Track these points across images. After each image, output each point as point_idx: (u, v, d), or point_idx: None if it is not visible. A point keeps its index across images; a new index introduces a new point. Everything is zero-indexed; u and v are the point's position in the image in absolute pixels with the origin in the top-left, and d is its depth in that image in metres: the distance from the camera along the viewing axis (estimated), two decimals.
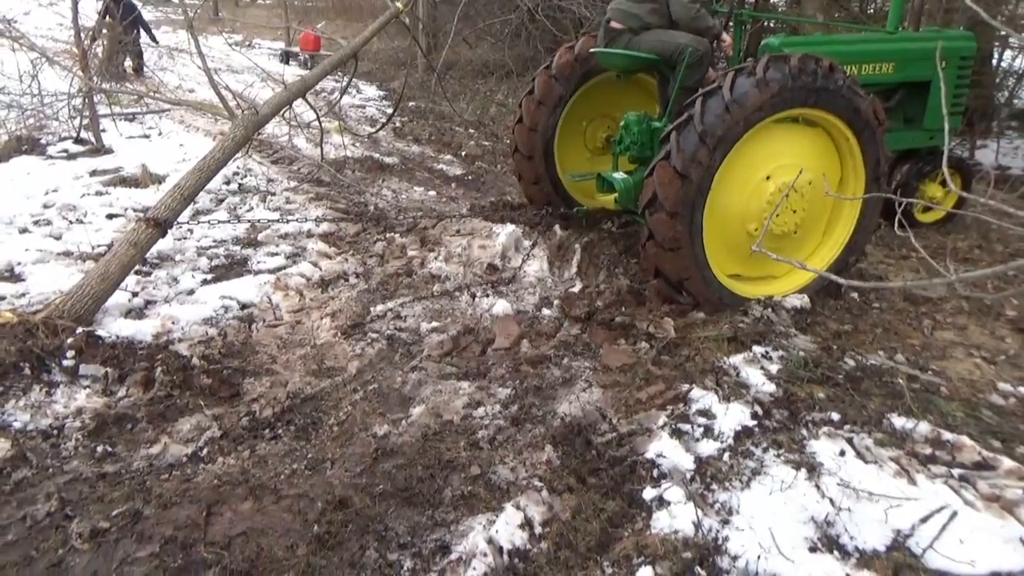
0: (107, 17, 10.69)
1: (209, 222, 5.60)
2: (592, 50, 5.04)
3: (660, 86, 4.94)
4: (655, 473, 2.90)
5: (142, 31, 12.46)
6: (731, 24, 5.43)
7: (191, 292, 4.49)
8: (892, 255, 5.48)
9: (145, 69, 11.87)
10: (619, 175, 4.80)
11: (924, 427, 3.18)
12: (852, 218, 4.48)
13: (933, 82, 5.27)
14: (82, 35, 7.71)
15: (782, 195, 4.15)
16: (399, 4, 7.08)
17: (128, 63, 11.88)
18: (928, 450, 3.07)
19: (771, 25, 11.36)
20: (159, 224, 4.25)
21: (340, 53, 6.54)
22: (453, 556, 2.48)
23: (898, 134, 5.44)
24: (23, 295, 4.25)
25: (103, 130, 7.80)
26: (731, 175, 4.12)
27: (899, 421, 3.24)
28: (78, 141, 7.68)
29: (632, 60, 4.71)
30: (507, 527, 2.58)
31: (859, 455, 3.00)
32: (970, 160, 7.19)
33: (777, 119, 4.10)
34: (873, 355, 3.88)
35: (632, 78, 5.31)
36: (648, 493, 2.77)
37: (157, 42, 12.89)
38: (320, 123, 7.20)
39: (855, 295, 4.63)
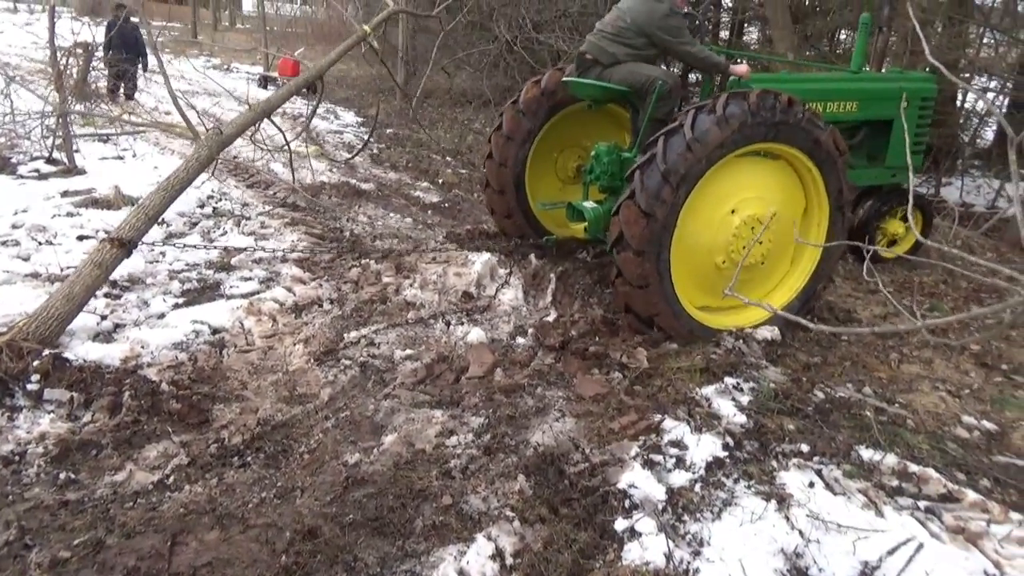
0: (110, 50, 10.78)
1: (181, 246, 5.55)
2: (564, 79, 5.13)
3: (633, 117, 5.04)
4: (627, 504, 2.90)
5: (141, 59, 12.55)
6: None
7: (162, 316, 4.43)
8: (860, 288, 5.58)
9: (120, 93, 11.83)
10: (589, 204, 4.85)
11: (891, 459, 3.23)
12: (817, 248, 4.56)
13: (895, 121, 5.41)
14: (58, 55, 7.66)
15: (750, 229, 4.24)
16: (366, 27, 7.21)
17: (122, 90, 11.87)
18: (895, 482, 3.11)
19: (741, 63, 11.62)
20: (124, 244, 4.19)
21: (305, 75, 6.62)
22: None
23: (861, 171, 5.56)
24: None
25: (76, 150, 7.72)
26: (697, 209, 4.19)
27: (867, 453, 3.28)
28: (50, 161, 7.59)
29: (602, 91, 4.80)
30: (478, 558, 2.56)
31: (828, 487, 3.03)
32: (934, 197, 7.38)
33: (740, 154, 4.19)
34: (842, 387, 3.94)
35: (602, 108, 5.41)
36: (620, 524, 2.77)
37: (146, 69, 12.91)
38: (288, 145, 7.23)
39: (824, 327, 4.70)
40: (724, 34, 15.99)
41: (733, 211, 4.29)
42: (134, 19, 12.43)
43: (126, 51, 11.70)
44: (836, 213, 4.52)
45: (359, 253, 5.71)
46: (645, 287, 4.12)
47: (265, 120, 6.14)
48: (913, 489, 3.08)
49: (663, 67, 4.87)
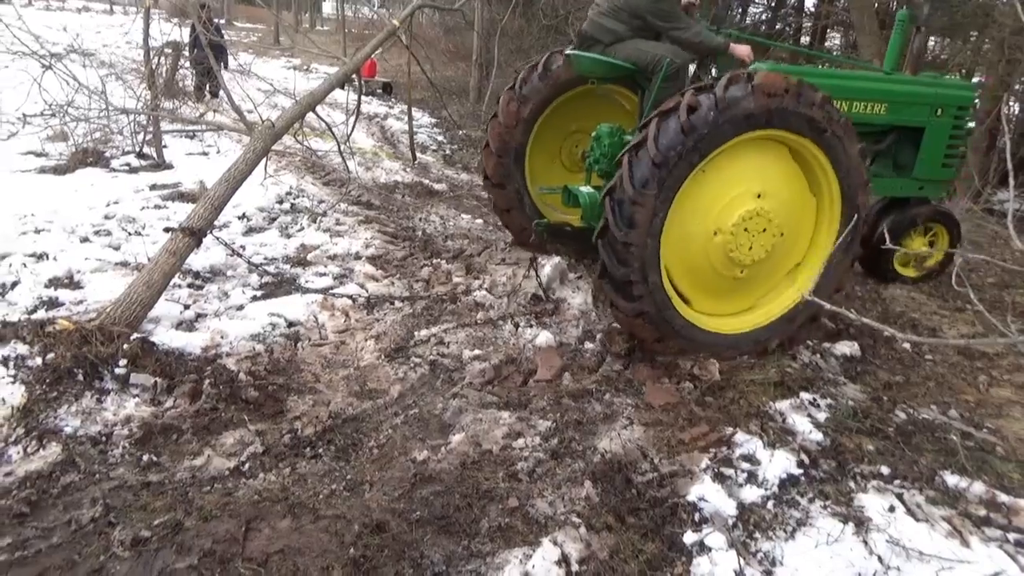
0: (195, 48, 11.31)
1: (254, 250, 5.71)
2: (568, 52, 4.95)
3: (640, 97, 4.80)
4: (696, 517, 2.84)
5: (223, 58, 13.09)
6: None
7: (240, 308, 4.57)
8: (946, 307, 5.34)
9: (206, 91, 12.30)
10: (585, 189, 4.59)
11: (979, 487, 3.07)
12: (835, 221, 4.17)
13: (927, 130, 5.00)
14: (151, 55, 8.00)
15: (743, 231, 3.98)
16: (395, 22, 7.37)
17: (207, 88, 12.40)
18: (982, 511, 2.96)
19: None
20: (194, 233, 4.35)
21: (343, 69, 6.82)
22: None
23: (887, 180, 5.19)
24: (80, 302, 4.37)
25: (165, 146, 8.05)
26: (676, 239, 3.96)
27: (952, 479, 3.13)
28: (140, 156, 7.94)
29: (606, 67, 4.61)
30: (544, 563, 2.55)
31: (909, 512, 2.90)
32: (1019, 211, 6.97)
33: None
34: (925, 409, 3.77)
35: (614, 94, 5.25)
36: (689, 537, 2.71)
37: (227, 67, 13.40)
38: (334, 135, 7.48)
39: (907, 346, 4.51)
40: (805, 39, 15.59)
41: (716, 232, 3.98)
42: (217, 20, 12.93)
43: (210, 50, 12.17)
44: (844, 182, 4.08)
45: (431, 252, 5.78)
46: (664, 340, 4.00)
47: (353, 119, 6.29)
48: (1002, 520, 2.91)
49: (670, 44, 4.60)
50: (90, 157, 7.56)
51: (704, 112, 3.65)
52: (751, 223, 3.97)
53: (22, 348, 3.42)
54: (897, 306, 5.22)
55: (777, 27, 15.44)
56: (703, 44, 4.48)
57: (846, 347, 4.29)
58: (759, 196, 3.98)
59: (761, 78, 3.72)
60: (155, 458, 3.07)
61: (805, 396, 3.73)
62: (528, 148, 5.48)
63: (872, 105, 4.82)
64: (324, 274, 5.25)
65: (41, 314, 4.11)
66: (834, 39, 16.29)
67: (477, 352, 4.19)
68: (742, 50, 4.53)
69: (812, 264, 4.27)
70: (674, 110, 3.69)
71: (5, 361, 3.34)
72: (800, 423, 3.49)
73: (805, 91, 3.80)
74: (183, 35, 10.43)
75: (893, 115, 4.92)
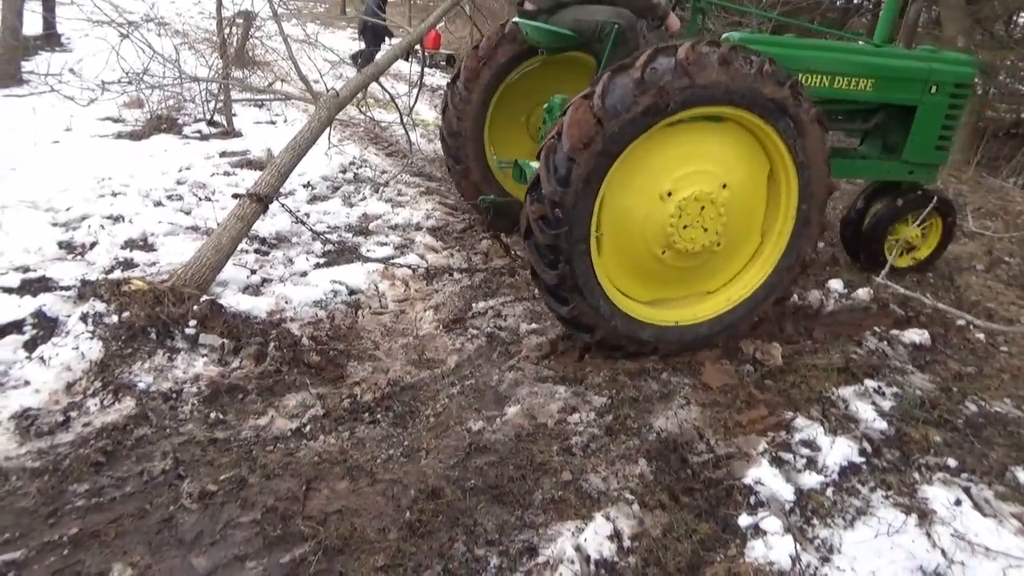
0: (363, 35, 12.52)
1: (319, 217, 5.82)
2: (515, 20, 4.74)
3: (598, 66, 4.46)
4: (752, 500, 2.81)
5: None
6: (686, 6, 4.80)
7: (304, 274, 4.67)
8: None
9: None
10: (534, 164, 4.21)
11: None
12: (777, 141, 3.68)
13: (919, 109, 4.58)
14: (223, 24, 8.17)
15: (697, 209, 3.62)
16: None
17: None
18: None
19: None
20: (261, 199, 4.43)
21: (407, 39, 6.76)
22: (540, 559, 2.48)
23: (875, 162, 4.82)
24: (154, 264, 4.54)
25: (234, 114, 8.23)
26: (633, 283, 3.81)
27: None
28: (211, 123, 8.14)
29: (554, 36, 4.35)
30: (596, 537, 2.56)
31: (977, 507, 2.82)
32: None
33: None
34: (998, 402, 3.63)
35: (565, 58, 5.10)
36: (744, 520, 2.69)
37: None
38: (397, 106, 7.44)
39: (981, 336, 4.34)
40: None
41: (664, 252, 3.70)
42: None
43: (376, 32, 13.16)
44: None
45: (490, 225, 5.77)
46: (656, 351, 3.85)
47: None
48: None
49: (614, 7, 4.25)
50: (164, 124, 7.79)
51: (551, 218, 3.42)
52: (685, 218, 3.60)
53: (100, 306, 3.57)
54: (972, 294, 5.02)
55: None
56: (641, 1, 4.17)
57: (915, 335, 4.15)
58: (670, 194, 3.58)
59: (567, 131, 3.33)
60: (222, 416, 3.18)
61: (870, 383, 3.63)
62: (486, 143, 5.37)
63: (857, 81, 4.38)
64: (385, 244, 5.32)
65: (117, 274, 4.28)
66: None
67: (534, 326, 4.19)
68: (672, 23, 4.21)
69: (787, 178, 3.82)
70: (531, 223, 3.51)
71: (84, 318, 3.49)
72: (864, 411, 3.40)
73: (615, 97, 3.28)
74: (254, 5, 10.60)
75: (881, 92, 4.49)
